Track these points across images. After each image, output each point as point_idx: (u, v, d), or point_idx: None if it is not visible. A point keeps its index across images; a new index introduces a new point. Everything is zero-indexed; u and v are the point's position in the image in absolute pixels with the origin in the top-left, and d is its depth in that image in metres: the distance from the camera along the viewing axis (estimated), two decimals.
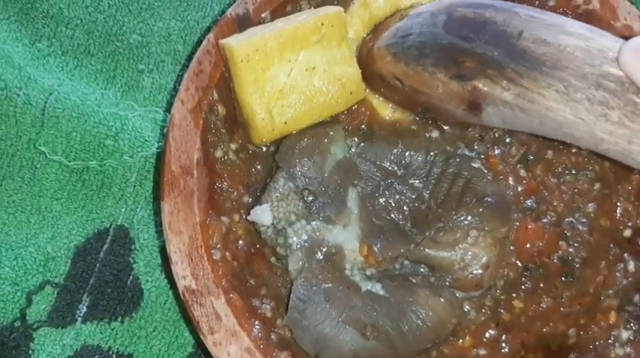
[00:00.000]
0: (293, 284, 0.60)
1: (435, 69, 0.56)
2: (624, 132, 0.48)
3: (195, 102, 0.61)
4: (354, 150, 0.62)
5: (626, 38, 0.50)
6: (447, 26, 0.56)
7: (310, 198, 0.60)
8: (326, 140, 0.61)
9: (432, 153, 0.62)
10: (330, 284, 0.60)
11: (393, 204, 0.62)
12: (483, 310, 0.63)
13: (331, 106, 0.62)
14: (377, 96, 0.64)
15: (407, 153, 0.63)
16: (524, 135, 0.63)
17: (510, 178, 0.64)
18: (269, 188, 0.61)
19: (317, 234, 0.60)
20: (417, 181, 0.62)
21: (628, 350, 0.61)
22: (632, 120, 0.47)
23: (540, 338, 0.63)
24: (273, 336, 0.60)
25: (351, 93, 0.62)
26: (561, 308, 0.63)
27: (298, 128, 0.61)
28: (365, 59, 0.62)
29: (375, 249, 0.61)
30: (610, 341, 0.62)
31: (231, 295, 0.59)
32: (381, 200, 0.62)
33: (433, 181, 0.62)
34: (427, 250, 0.60)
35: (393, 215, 0.62)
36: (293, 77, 0.60)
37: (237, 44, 0.58)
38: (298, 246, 0.60)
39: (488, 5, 0.56)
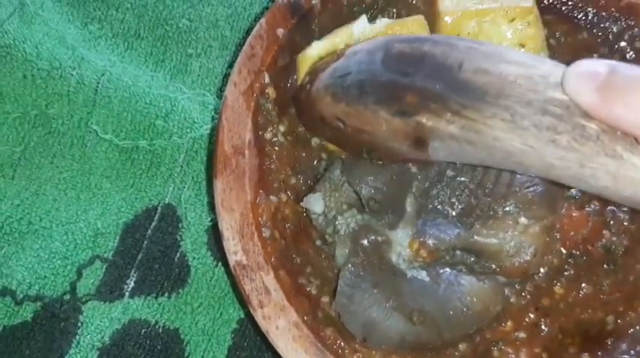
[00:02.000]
0: (340, 270, 0.61)
1: (377, 106, 0.55)
2: (575, 156, 0.47)
3: (248, 84, 0.62)
4: None
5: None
6: (385, 63, 0.55)
7: (376, 208, 0.61)
8: None
9: None
10: (376, 271, 0.61)
11: (444, 200, 0.62)
12: (523, 294, 0.63)
13: None
14: None
15: None
16: None
17: None
18: (324, 178, 0.63)
19: (366, 224, 0.62)
20: (466, 175, 0.63)
21: None
22: (582, 144, 0.46)
23: (579, 323, 0.63)
24: (319, 313, 0.61)
25: None
26: (601, 296, 0.64)
27: None
28: (304, 103, 0.62)
29: (429, 242, 0.61)
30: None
31: (280, 271, 0.60)
32: (433, 198, 0.62)
33: (481, 171, 0.63)
34: (477, 237, 0.61)
35: (443, 209, 0.62)
36: None
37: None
38: (346, 232, 0.62)
39: (426, 39, 0.55)
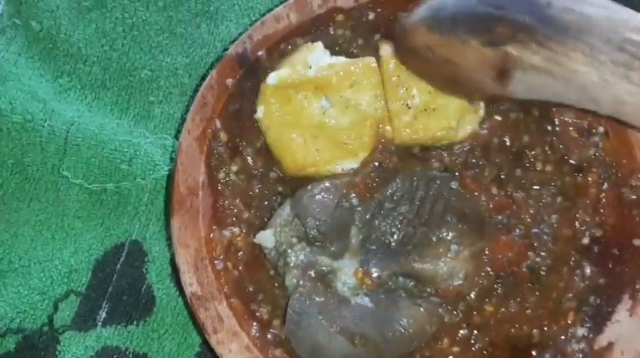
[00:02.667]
0: (289, 298, 0.66)
1: (468, 36, 0.59)
2: None
3: (200, 130, 0.69)
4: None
5: None
6: None
7: (320, 238, 0.67)
8: (343, 191, 0.68)
9: (415, 178, 0.68)
10: (322, 299, 0.65)
11: (385, 230, 0.67)
12: (455, 313, 0.68)
13: (356, 146, 0.69)
14: None
15: (394, 184, 0.68)
16: (497, 157, 0.70)
17: (483, 196, 0.69)
18: (275, 215, 0.68)
19: (314, 256, 0.67)
20: (404, 207, 0.67)
21: (582, 345, 0.68)
22: None
23: (508, 338, 0.68)
24: (269, 336, 0.67)
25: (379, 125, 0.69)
26: (527, 312, 0.68)
27: (330, 161, 0.68)
28: (399, 36, 0.66)
29: (372, 271, 0.67)
30: (568, 337, 0.68)
31: (232, 300, 0.67)
32: (375, 229, 0.67)
33: (417, 203, 0.67)
34: (414, 264, 0.66)
35: (385, 239, 0.67)
36: (326, 115, 0.68)
37: (276, 84, 0.67)
38: (295, 264, 0.67)
39: None
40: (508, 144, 0.71)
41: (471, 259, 0.67)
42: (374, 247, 0.67)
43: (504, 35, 0.57)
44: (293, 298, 0.65)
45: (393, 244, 0.67)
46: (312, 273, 0.67)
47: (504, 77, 0.58)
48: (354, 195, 0.67)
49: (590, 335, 0.68)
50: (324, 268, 0.66)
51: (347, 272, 0.67)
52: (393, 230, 0.67)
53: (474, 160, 0.70)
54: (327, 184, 0.67)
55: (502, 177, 0.70)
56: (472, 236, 0.67)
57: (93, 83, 0.78)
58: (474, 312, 0.68)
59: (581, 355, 0.67)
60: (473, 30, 0.59)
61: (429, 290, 0.67)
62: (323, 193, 0.67)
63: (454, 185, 0.68)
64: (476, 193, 0.69)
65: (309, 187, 0.67)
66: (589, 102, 0.55)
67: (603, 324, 0.68)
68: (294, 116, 0.67)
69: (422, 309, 0.66)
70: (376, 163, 0.69)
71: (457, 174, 0.69)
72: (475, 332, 0.68)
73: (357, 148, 0.68)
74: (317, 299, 0.66)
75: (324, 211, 0.67)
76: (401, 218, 0.67)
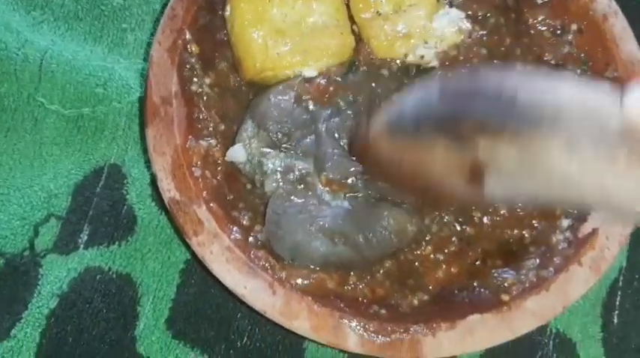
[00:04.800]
0: (269, 200, 0.67)
1: (435, 139, 0.56)
2: (633, 176, 0.47)
3: (171, 42, 0.69)
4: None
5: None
6: (442, 99, 0.57)
7: (285, 140, 0.68)
8: (288, 88, 0.69)
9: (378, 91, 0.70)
10: (302, 200, 0.67)
11: (338, 135, 0.69)
12: (444, 221, 0.69)
13: (322, 52, 0.69)
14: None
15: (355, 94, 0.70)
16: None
17: None
18: (240, 130, 0.69)
19: (290, 161, 0.68)
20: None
21: (567, 234, 0.68)
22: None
23: (501, 244, 0.69)
24: (251, 239, 0.67)
25: (341, 33, 0.70)
26: (516, 214, 0.69)
27: (290, 65, 0.69)
28: (363, 152, 0.66)
29: (331, 176, 0.68)
30: (555, 231, 0.69)
31: (211, 204, 0.66)
32: (331, 132, 0.69)
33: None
34: None
35: (339, 143, 0.69)
36: (290, 19, 0.68)
37: None
38: (273, 170, 0.68)
39: (480, 75, 0.57)
40: (491, 51, 0.72)
41: None
42: (330, 150, 0.68)
43: (472, 135, 0.53)
44: (273, 198, 0.66)
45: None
46: (292, 177, 0.67)
47: (477, 180, 0.54)
48: (309, 97, 0.68)
49: (574, 224, 0.67)
50: (302, 171, 0.66)
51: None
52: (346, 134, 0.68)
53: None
54: (281, 87, 0.69)
55: None
56: None
57: (66, 15, 0.79)
58: (465, 225, 0.69)
59: (566, 244, 0.66)
60: (439, 133, 0.56)
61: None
62: (279, 96, 0.68)
63: None
64: None
65: (265, 94, 0.68)
66: (575, 196, 0.52)
67: (587, 213, 0.68)
68: (257, 17, 0.68)
69: (401, 209, 0.66)
70: (338, 74, 0.70)
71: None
72: (467, 244, 0.69)
73: (319, 56, 0.69)
74: (296, 200, 0.67)
75: (282, 113, 0.68)
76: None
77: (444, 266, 0.67)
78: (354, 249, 0.66)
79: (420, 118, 0.58)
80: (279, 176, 0.67)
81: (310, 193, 0.67)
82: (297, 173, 0.68)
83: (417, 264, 0.68)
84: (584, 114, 0.49)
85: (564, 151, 0.49)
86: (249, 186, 0.69)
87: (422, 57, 0.71)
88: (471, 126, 0.53)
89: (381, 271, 0.68)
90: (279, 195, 0.66)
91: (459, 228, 0.70)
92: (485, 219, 0.70)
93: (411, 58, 0.71)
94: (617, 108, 0.47)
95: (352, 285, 0.66)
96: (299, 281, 0.65)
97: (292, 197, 0.67)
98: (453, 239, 0.69)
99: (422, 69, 0.71)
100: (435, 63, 0.71)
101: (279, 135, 0.67)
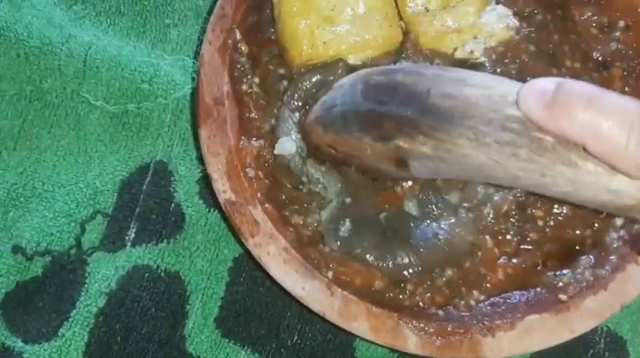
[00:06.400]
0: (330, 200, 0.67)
1: (360, 134, 0.59)
2: (535, 166, 0.50)
3: (221, 41, 0.68)
4: None
5: None
6: (364, 94, 0.59)
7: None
8: (331, 78, 0.68)
9: None
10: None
11: None
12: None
13: (368, 44, 0.69)
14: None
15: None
16: (531, 62, 0.70)
17: None
18: (280, 125, 0.68)
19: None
20: None
21: (622, 233, 0.68)
22: (540, 155, 0.49)
23: (563, 246, 0.68)
24: (305, 239, 0.67)
25: (390, 26, 0.69)
26: (579, 212, 0.68)
27: (336, 54, 0.68)
28: (302, 134, 0.67)
29: None
30: (608, 228, 0.68)
31: (266, 205, 0.66)
32: None
33: None
34: None
35: None
36: (338, 8, 0.68)
37: None
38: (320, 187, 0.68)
39: (399, 70, 0.59)
40: (539, 47, 0.71)
41: None
42: None
43: (392, 130, 0.57)
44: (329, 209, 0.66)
45: None
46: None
47: (404, 165, 0.59)
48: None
49: (628, 223, 0.68)
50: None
51: None
52: None
53: (506, 68, 0.70)
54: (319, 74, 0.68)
55: None
56: None
57: (107, 9, 0.78)
58: (528, 225, 0.68)
59: (621, 243, 0.67)
60: (363, 128, 0.59)
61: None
62: (307, 78, 0.68)
63: None
64: None
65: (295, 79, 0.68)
66: (489, 180, 0.55)
67: None
68: (305, 4, 0.67)
69: (460, 222, 0.67)
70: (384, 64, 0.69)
71: None
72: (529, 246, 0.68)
73: (365, 47, 0.69)
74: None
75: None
76: None
77: (505, 269, 0.67)
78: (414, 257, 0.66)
79: (347, 114, 0.60)
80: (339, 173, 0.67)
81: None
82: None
83: (480, 268, 0.68)
84: (489, 106, 0.51)
85: (472, 145, 0.52)
86: (300, 186, 0.68)
87: (471, 52, 0.70)
88: (390, 127, 0.57)
89: (444, 278, 0.67)
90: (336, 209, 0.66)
91: (520, 233, 0.69)
92: (548, 221, 0.69)
93: (459, 53, 0.71)
94: (515, 100, 0.50)
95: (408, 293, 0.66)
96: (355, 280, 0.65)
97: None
98: (514, 243, 0.68)
99: (470, 64, 0.71)
100: (483, 59, 0.71)
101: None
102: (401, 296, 0.65)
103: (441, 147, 0.54)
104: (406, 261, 0.66)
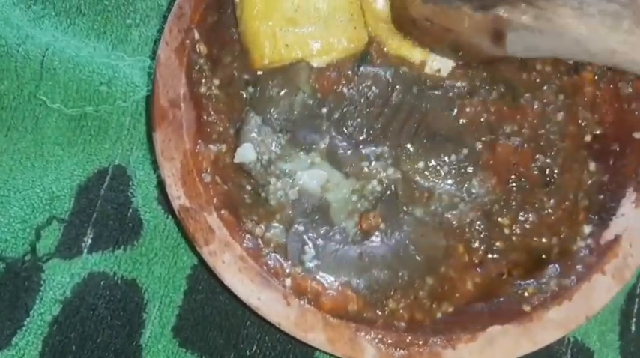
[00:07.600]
0: (288, 233, 0.65)
1: (461, 3, 0.60)
2: (635, 39, 0.52)
3: (179, 42, 0.66)
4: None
5: None
6: None
7: (288, 136, 0.66)
8: (295, 79, 0.66)
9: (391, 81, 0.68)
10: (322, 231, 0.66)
11: (353, 130, 0.67)
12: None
13: (333, 46, 0.67)
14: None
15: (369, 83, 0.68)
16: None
17: (484, 112, 0.69)
18: (243, 128, 0.66)
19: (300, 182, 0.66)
20: (374, 108, 0.68)
21: (589, 241, 0.66)
22: None
23: (530, 252, 0.67)
24: (263, 247, 0.64)
25: (355, 28, 0.67)
26: (546, 220, 0.68)
27: (300, 57, 0.67)
28: (397, 8, 0.66)
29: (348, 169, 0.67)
30: (575, 236, 0.67)
31: (222, 211, 0.64)
32: (345, 126, 0.67)
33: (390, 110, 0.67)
34: None
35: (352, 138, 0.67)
36: (302, 9, 0.66)
37: None
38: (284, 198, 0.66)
39: None
40: None
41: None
42: (338, 142, 0.67)
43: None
44: (291, 233, 0.65)
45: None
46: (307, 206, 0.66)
47: (500, 39, 0.59)
48: (317, 86, 0.66)
49: (596, 231, 0.66)
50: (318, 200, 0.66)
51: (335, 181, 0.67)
52: (363, 129, 0.67)
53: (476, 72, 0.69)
54: (281, 77, 0.67)
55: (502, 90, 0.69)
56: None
57: (68, 9, 0.76)
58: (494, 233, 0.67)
59: (587, 252, 0.65)
60: None
61: None
62: (280, 86, 0.67)
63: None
64: (479, 108, 0.68)
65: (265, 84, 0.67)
66: (584, 55, 0.56)
67: (609, 219, 0.67)
68: (268, 6, 0.65)
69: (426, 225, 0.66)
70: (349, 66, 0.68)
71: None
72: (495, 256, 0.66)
73: (329, 50, 0.67)
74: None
75: (285, 103, 0.66)
76: (370, 121, 0.67)
77: (474, 279, 0.65)
78: (388, 270, 0.65)
79: None
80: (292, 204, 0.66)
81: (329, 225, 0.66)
82: (313, 202, 0.66)
83: (453, 274, 0.66)
84: None
85: (575, 14, 0.53)
86: (260, 192, 0.66)
87: (438, 70, 0.69)
88: None
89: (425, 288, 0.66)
90: (295, 229, 0.65)
91: (486, 241, 0.67)
92: (514, 229, 0.67)
93: (427, 69, 0.69)
94: None
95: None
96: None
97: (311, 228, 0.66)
98: (481, 251, 0.67)
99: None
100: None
101: (284, 122, 0.65)
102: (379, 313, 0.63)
103: (542, 17, 0.55)
104: (383, 278, 0.65)
